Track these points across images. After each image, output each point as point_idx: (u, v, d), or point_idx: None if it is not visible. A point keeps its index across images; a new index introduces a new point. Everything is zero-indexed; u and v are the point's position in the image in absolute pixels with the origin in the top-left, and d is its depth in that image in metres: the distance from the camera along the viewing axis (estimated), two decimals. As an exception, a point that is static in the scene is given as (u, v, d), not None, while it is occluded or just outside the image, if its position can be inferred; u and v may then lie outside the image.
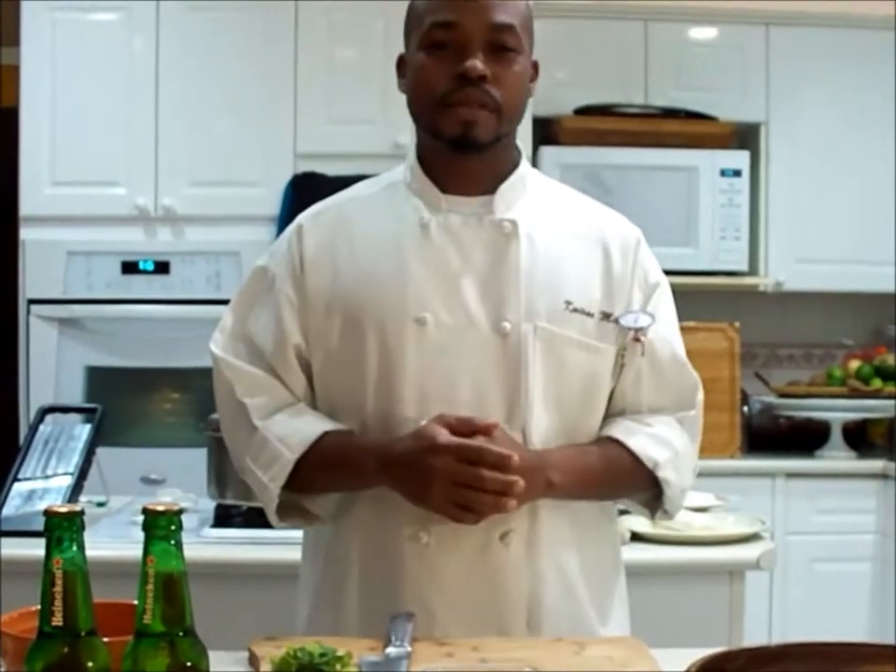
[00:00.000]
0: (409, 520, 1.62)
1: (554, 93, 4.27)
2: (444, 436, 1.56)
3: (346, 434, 1.66)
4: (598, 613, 1.71)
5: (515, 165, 1.73)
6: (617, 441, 1.68)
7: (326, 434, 1.65)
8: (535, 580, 1.65)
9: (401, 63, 1.72)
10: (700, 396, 1.75)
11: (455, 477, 1.54)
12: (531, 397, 1.63)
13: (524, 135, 3.97)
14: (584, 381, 1.67)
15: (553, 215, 1.73)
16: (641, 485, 1.70)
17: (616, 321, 1.68)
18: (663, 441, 1.68)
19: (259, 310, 1.72)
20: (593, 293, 1.68)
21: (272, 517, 1.70)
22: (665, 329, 1.72)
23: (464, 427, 1.57)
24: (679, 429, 1.72)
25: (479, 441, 1.56)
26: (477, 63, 1.61)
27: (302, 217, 1.76)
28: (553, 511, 1.66)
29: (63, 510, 1.12)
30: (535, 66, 1.73)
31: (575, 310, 1.66)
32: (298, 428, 1.66)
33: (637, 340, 1.68)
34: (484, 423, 1.58)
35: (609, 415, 1.73)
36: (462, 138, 1.64)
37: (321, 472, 1.66)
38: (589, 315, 1.67)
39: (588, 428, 1.70)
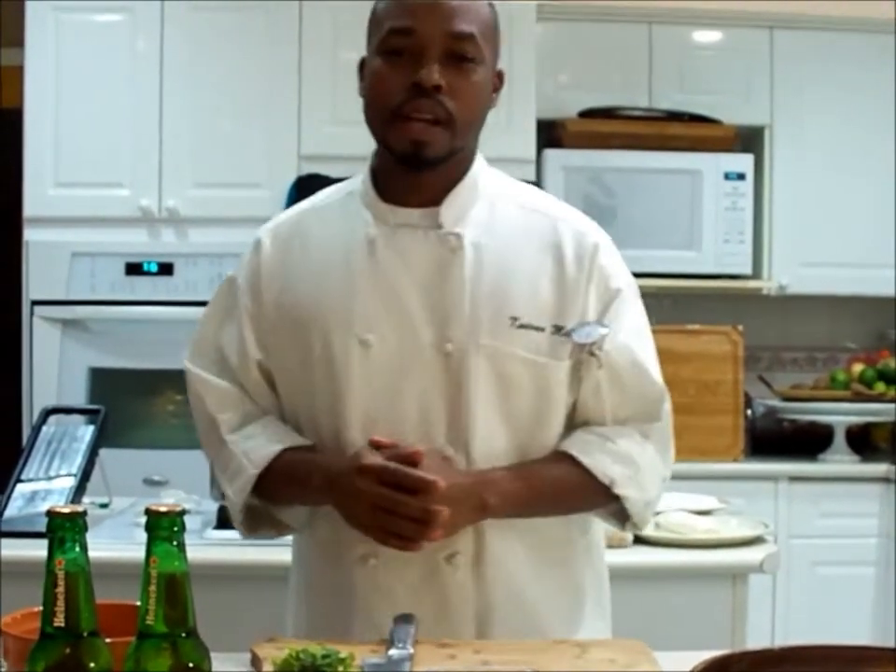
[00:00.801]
0: (359, 541, 1.60)
1: (558, 96, 4.28)
2: (370, 458, 1.54)
3: (304, 451, 1.66)
4: (565, 631, 1.66)
5: (466, 170, 1.67)
6: (572, 458, 1.63)
7: (286, 450, 1.65)
8: (482, 601, 1.63)
9: (363, 67, 1.67)
10: (667, 406, 1.69)
11: (375, 500, 1.52)
12: (473, 415, 1.60)
13: (527, 138, 3.99)
14: (535, 397, 1.63)
15: (504, 221, 1.67)
16: (599, 501, 1.66)
17: (568, 335, 1.62)
18: (621, 457, 1.63)
19: (228, 322, 1.73)
20: (543, 306, 1.62)
21: (238, 528, 1.72)
22: (625, 337, 1.65)
23: (390, 454, 1.55)
24: (642, 442, 1.66)
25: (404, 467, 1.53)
26: (433, 74, 1.56)
27: (262, 230, 1.75)
28: (503, 532, 1.63)
29: (66, 510, 1.12)
30: (499, 76, 1.67)
31: (522, 325, 1.61)
32: (261, 444, 1.66)
33: (592, 354, 1.62)
34: (408, 450, 1.54)
35: (572, 426, 1.68)
36: (412, 156, 1.60)
37: (282, 487, 1.66)
38: (539, 329, 1.61)
39: (543, 443, 1.65)
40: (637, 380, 1.66)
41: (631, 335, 1.66)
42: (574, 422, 1.68)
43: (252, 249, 1.73)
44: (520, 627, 1.63)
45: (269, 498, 1.68)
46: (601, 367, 1.63)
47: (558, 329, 1.62)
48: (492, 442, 1.61)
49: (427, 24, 1.57)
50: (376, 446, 1.57)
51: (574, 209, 1.74)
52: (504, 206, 1.69)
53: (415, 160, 1.60)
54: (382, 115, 1.61)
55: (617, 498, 1.64)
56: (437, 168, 1.62)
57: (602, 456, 1.63)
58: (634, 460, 1.64)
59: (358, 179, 1.72)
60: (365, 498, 1.52)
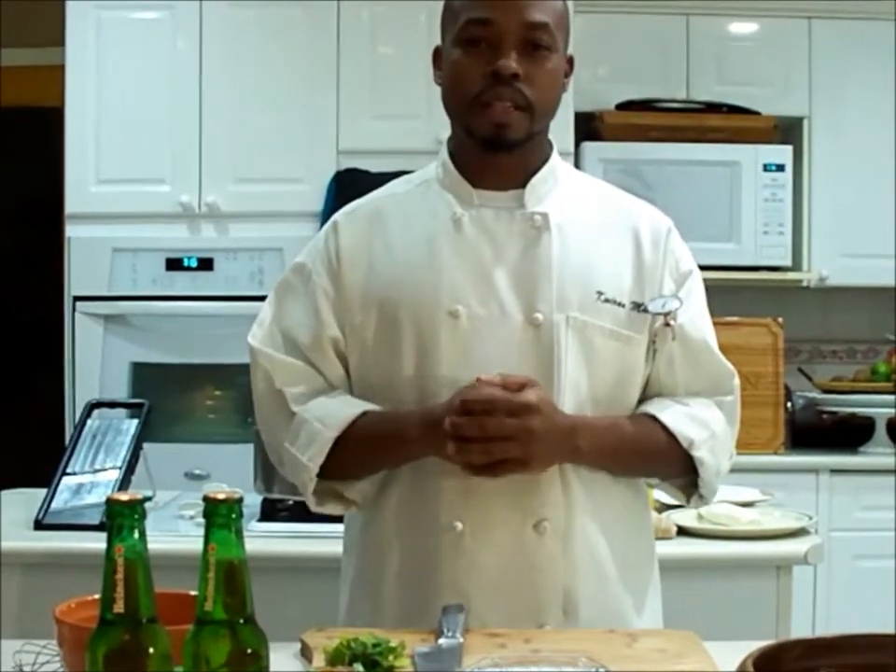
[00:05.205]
0: (444, 509, 1.64)
1: (596, 88, 4.27)
2: (471, 392, 1.57)
3: (386, 411, 1.68)
4: (633, 603, 1.71)
5: (546, 158, 1.74)
6: (653, 418, 1.69)
7: (365, 413, 1.67)
8: (570, 568, 1.65)
9: (437, 56, 1.74)
10: (736, 381, 1.76)
11: (473, 429, 1.54)
12: (563, 386, 1.64)
13: (565, 131, 3.98)
14: (617, 370, 1.69)
15: (583, 206, 1.75)
16: (675, 464, 1.70)
17: (645, 309, 1.69)
18: (699, 421, 1.69)
19: (296, 304, 1.75)
20: (624, 283, 1.70)
21: (309, 499, 1.71)
22: (697, 314, 1.74)
23: (500, 381, 1.57)
24: (717, 411, 1.73)
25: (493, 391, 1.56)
26: (510, 63, 1.63)
27: (338, 215, 1.79)
28: (588, 501, 1.67)
29: (125, 497, 1.12)
30: (570, 61, 1.74)
31: (606, 300, 1.68)
32: (336, 409, 1.68)
33: (668, 325, 1.69)
34: (519, 378, 1.57)
35: (645, 399, 1.74)
36: (494, 138, 1.66)
37: (361, 449, 1.66)
38: (620, 305, 1.68)
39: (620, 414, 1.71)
40: (707, 355, 1.74)
41: (703, 313, 1.76)
42: (647, 396, 1.74)
43: (328, 234, 1.76)
44: (601, 598, 1.67)
45: (341, 465, 1.67)
46: (674, 338, 1.69)
47: (637, 306, 1.69)
48: (578, 413, 1.65)
49: (503, 15, 1.64)
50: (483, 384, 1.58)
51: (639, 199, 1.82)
52: (581, 193, 1.77)
53: (497, 142, 1.67)
54: (463, 102, 1.67)
55: (691, 464, 1.68)
56: (516, 152, 1.69)
57: (682, 417, 1.69)
58: (709, 426, 1.70)
59: (430, 169, 1.78)
60: (467, 429, 1.54)
